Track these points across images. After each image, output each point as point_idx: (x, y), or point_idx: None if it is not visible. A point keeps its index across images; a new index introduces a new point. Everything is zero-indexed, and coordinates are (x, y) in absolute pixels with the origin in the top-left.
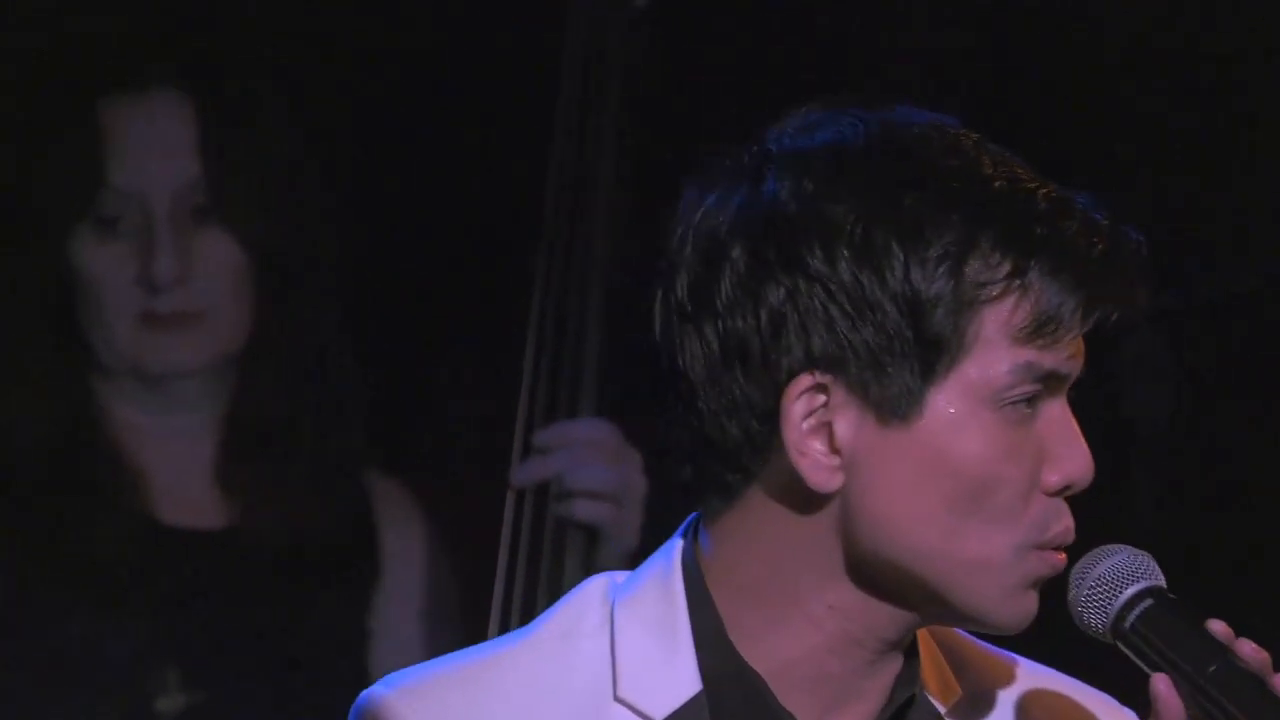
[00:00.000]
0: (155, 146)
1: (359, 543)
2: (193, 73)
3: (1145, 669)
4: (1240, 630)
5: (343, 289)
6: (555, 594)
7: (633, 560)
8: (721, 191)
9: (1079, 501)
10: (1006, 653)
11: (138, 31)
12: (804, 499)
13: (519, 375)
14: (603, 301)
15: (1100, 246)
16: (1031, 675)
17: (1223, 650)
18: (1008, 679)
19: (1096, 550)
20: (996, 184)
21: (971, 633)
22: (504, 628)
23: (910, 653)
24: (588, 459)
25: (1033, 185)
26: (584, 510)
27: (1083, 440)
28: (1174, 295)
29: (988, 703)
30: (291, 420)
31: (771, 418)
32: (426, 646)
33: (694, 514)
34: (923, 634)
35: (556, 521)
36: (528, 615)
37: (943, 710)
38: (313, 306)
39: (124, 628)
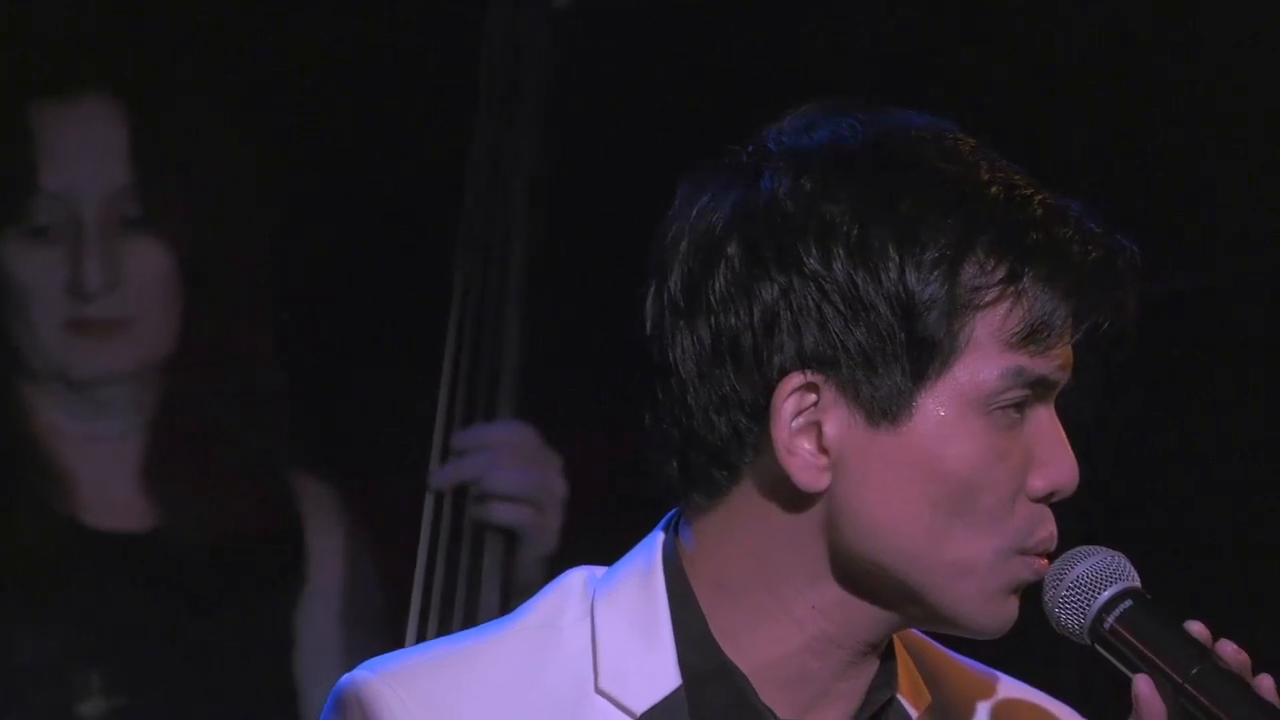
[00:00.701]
0: (86, 152)
1: (284, 544)
2: (125, 78)
3: (1125, 670)
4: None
5: (268, 294)
6: (474, 595)
7: (551, 563)
8: (718, 189)
9: None
10: (976, 663)
11: (70, 36)
12: (790, 498)
13: (439, 378)
14: (521, 306)
15: (1094, 255)
16: (999, 686)
17: (1204, 652)
18: (976, 688)
19: (1072, 552)
20: (993, 189)
21: (942, 641)
22: (422, 628)
23: (887, 656)
24: (506, 462)
25: (1029, 192)
26: (502, 513)
27: (1069, 448)
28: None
29: (957, 711)
30: (216, 425)
31: (761, 415)
32: (346, 647)
33: (674, 510)
34: (895, 640)
35: (475, 524)
36: (446, 616)
37: (915, 716)
38: (239, 313)
39: (47, 629)
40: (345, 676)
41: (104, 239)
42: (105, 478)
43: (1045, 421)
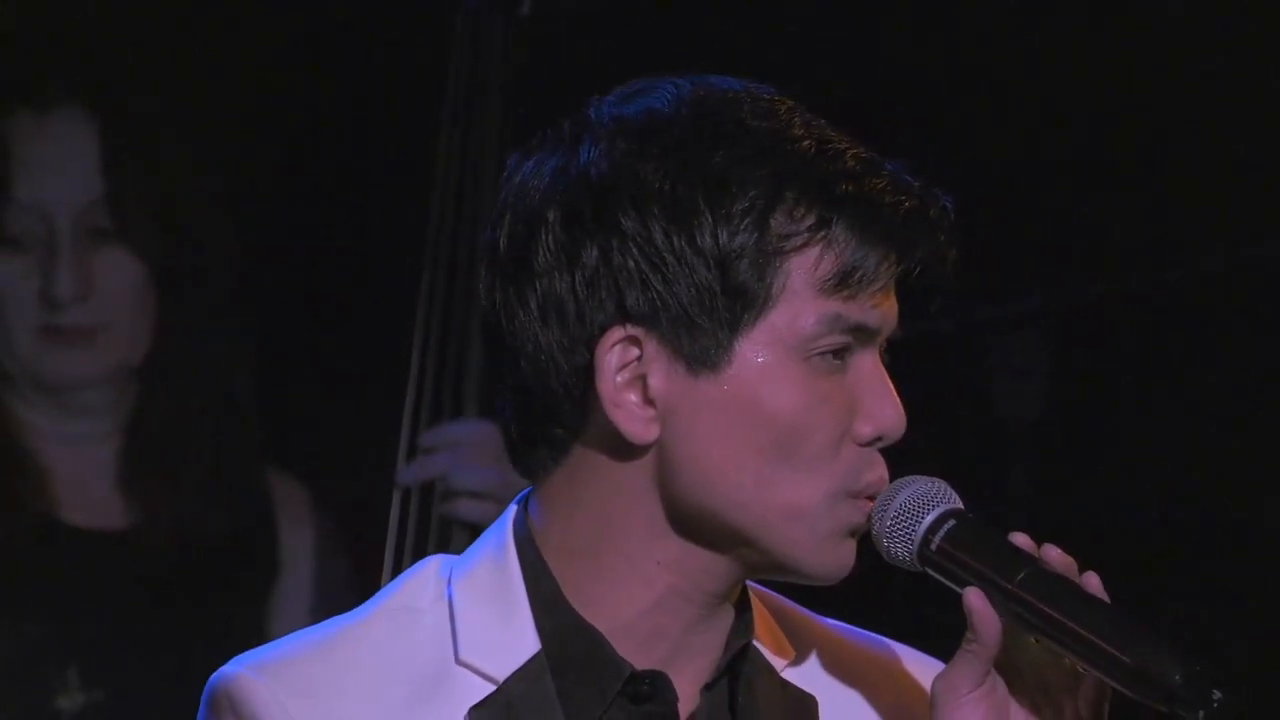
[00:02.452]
0: (59, 164)
1: (257, 541)
2: (96, 92)
3: (955, 588)
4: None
5: (237, 299)
6: None
7: None
8: (540, 158)
9: (960, 493)
10: (833, 621)
11: (42, 49)
12: (624, 452)
13: (406, 377)
14: None
15: (907, 204)
16: (856, 640)
17: (1030, 559)
18: (835, 644)
19: (892, 484)
20: (805, 143)
21: (792, 596)
22: None
23: (743, 609)
24: (472, 459)
25: (842, 146)
26: (468, 509)
27: (894, 394)
28: (1041, 298)
29: (818, 666)
30: (189, 427)
31: (588, 372)
32: None
33: (526, 490)
34: (756, 602)
35: (441, 519)
36: None
37: (779, 666)
38: (209, 319)
39: (23, 627)
40: (216, 673)
41: (76, 249)
42: (81, 478)
43: (869, 368)
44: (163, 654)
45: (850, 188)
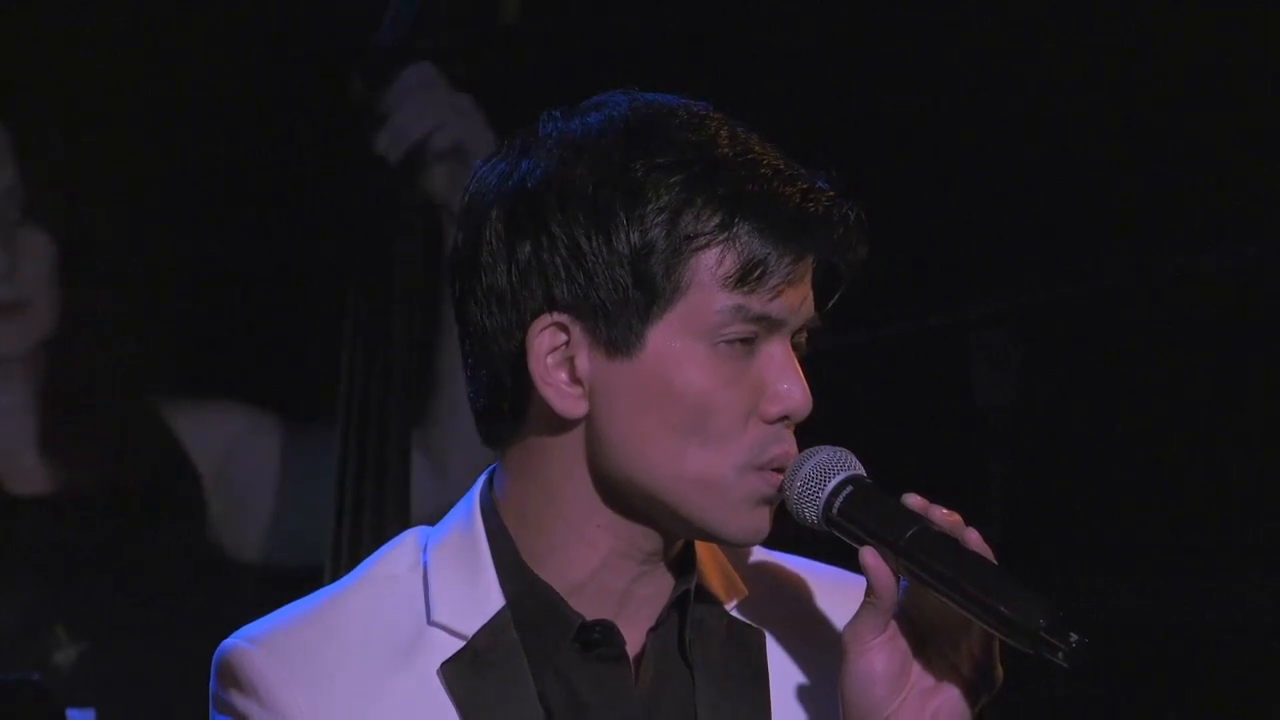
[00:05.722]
0: None
1: (176, 485)
2: (3, 89)
3: (855, 546)
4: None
5: (138, 274)
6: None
7: None
8: (493, 163)
9: (940, 478)
10: (792, 557)
11: None
12: (560, 426)
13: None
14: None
15: (811, 208)
16: (814, 574)
17: (918, 518)
18: (792, 580)
19: (802, 453)
20: (722, 153)
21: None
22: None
23: (687, 559)
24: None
25: (760, 157)
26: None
27: (801, 378)
28: (1016, 295)
29: (772, 601)
30: (97, 390)
31: (524, 354)
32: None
33: (494, 465)
34: (705, 548)
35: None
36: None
37: (727, 606)
38: (111, 293)
39: (12, 596)
40: (221, 646)
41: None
42: (12, 448)
43: (778, 354)
44: (128, 591)
45: (756, 192)
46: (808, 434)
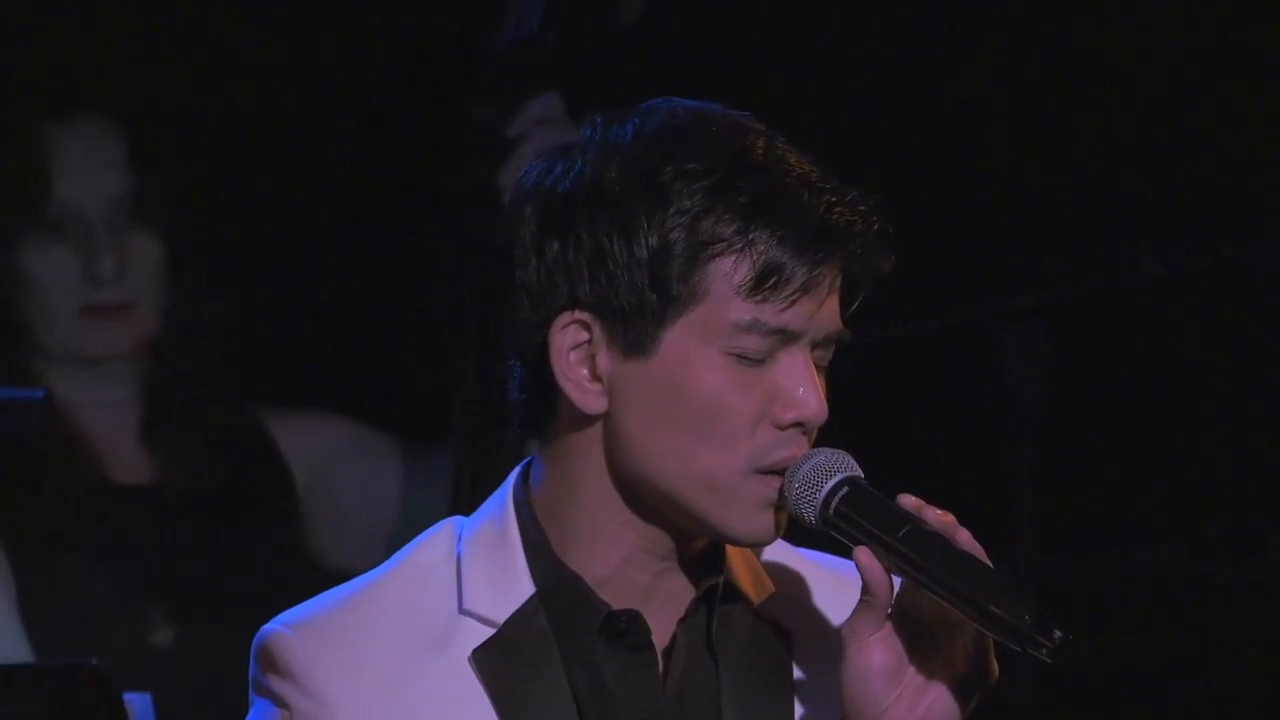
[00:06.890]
0: (91, 163)
1: (273, 483)
2: (120, 98)
3: (852, 546)
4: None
5: (241, 275)
6: None
7: None
8: (537, 164)
9: (969, 477)
10: (825, 556)
11: (67, 66)
12: (583, 422)
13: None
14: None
15: (836, 220)
16: (842, 573)
17: (911, 518)
18: (820, 578)
19: (801, 456)
20: (751, 161)
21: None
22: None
23: (714, 556)
24: None
25: (790, 166)
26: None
27: (817, 385)
28: (1044, 292)
29: (799, 599)
30: (197, 389)
31: (548, 348)
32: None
33: (528, 459)
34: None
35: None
36: None
37: (755, 602)
38: (215, 295)
39: (110, 577)
40: (261, 631)
41: (110, 235)
42: (115, 440)
43: (797, 363)
44: (224, 578)
45: (777, 200)
46: (835, 427)
